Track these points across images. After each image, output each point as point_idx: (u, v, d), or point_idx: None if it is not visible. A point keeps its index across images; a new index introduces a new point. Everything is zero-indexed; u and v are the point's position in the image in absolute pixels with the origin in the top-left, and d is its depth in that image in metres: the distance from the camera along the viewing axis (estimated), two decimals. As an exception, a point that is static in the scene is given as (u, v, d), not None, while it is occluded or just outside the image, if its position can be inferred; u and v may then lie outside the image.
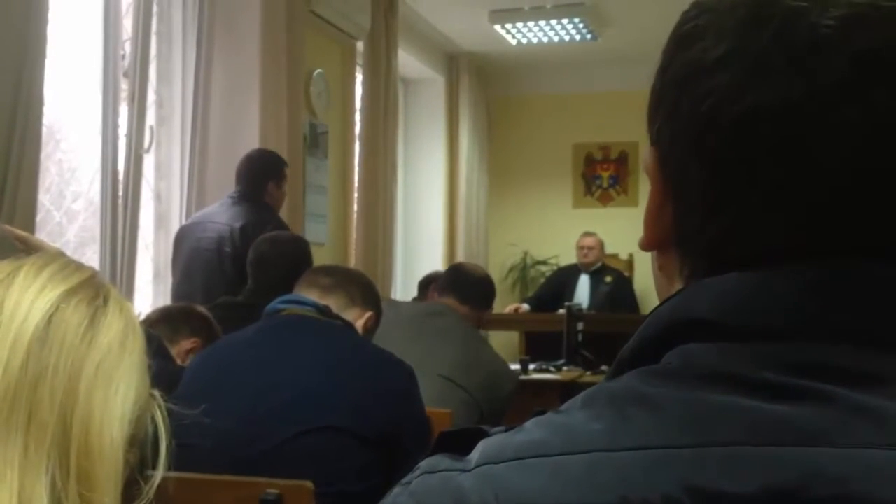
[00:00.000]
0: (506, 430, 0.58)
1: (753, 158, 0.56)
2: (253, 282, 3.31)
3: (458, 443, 0.59)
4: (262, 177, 3.93)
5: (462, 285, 3.11)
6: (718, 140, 0.57)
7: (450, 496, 0.55)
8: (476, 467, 0.55)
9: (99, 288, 0.75)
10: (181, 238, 3.97)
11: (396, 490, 0.60)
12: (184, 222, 4.26)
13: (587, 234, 6.81)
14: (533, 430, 0.56)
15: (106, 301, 0.75)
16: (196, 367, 2.05)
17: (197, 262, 3.83)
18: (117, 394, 0.71)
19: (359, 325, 2.13)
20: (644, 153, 0.65)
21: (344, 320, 2.06)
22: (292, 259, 3.22)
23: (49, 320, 0.70)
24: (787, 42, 0.55)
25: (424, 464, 0.60)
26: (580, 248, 6.75)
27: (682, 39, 0.61)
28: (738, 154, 0.57)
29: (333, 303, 2.09)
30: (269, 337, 2.01)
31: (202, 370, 2.02)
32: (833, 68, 0.55)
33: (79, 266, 0.77)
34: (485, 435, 0.59)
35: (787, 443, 0.49)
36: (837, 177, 0.55)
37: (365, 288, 2.24)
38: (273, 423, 1.85)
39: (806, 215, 0.56)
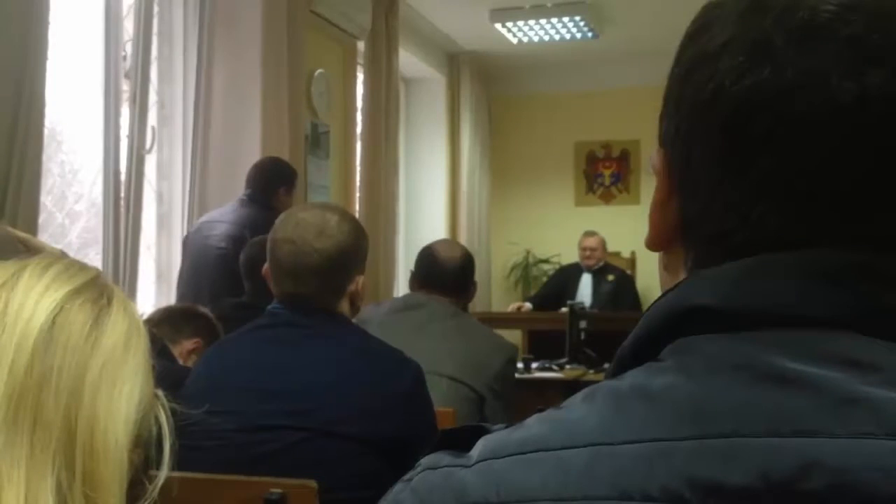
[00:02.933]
0: (506, 427, 0.59)
1: (751, 139, 0.57)
2: (251, 284, 3.31)
3: (460, 440, 0.60)
4: (273, 181, 3.96)
5: (442, 280, 2.89)
6: (719, 122, 0.58)
7: (451, 492, 0.55)
8: (477, 463, 0.56)
9: (103, 288, 0.75)
10: (191, 237, 4.01)
11: (398, 487, 0.60)
12: (186, 222, 4.27)
13: (589, 233, 6.80)
14: (533, 425, 0.57)
15: (110, 301, 0.75)
16: (200, 370, 2.02)
17: (204, 262, 3.85)
18: (121, 394, 0.71)
19: (352, 290, 2.01)
20: (652, 154, 0.65)
21: (344, 317, 2.02)
22: None
23: (53, 321, 0.71)
24: (786, 25, 0.57)
25: (425, 460, 0.60)
26: (582, 249, 6.74)
27: (691, 36, 0.62)
28: (737, 134, 0.58)
29: (328, 289, 1.97)
30: (271, 339, 1.95)
31: (206, 373, 1.99)
32: (829, 50, 0.56)
33: (83, 267, 0.77)
34: (486, 432, 0.59)
35: (785, 433, 0.50)
36: (832, 160, 0.56)
37: (347, 255, 1.98)
38: (276, 428, 1.82)
39: (802, 200, 0.57)
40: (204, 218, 4.09)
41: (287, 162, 4.19)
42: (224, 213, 3.95)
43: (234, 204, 3.96)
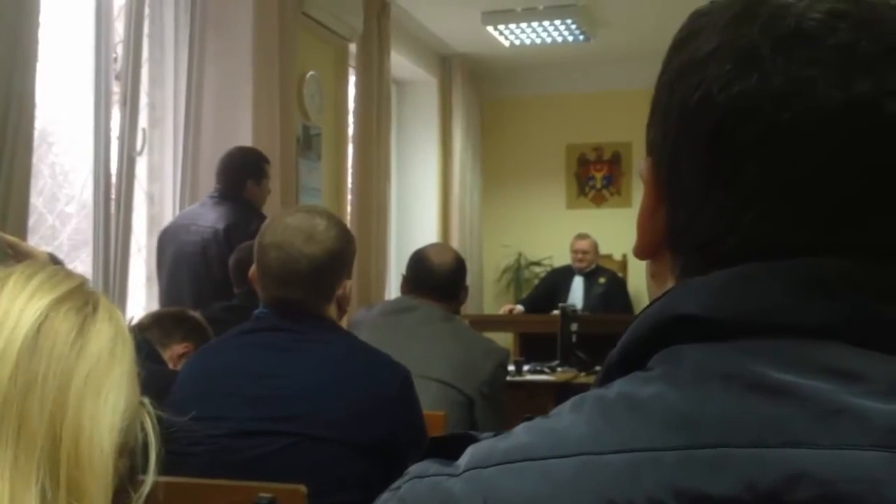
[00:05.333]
0: (494, 436, 0.59)
1: (739, 146, 0.57)
2: (241, 287, 3.31)
3: (448, 448, 0.59)
4: (240, 175, 3.92)
5: (433, 285, 2.88)
6: (707, 129, 0.58)
7: (439, 501, 0.55)
8: (465, 472, 0.56)
9: (88, 296, 0.75)
10: (165, 240, 3.96)
11: (386, 495, 0.60)
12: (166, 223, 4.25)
13: (581, 236, 6.79)
14: (521, 434, 0.57)
15: (95, 309, 0.75)
16: (187, 375, 2.01)
17: (183, 265, 3.82)
18: (107, 403, 0.71)
19: (339, 295, 2.00)
20: (640, 162, 0.65)
21: (332, 322, 2.01)
22: None
23: (38, 329, 0.70)
24: (773, 33, 0.57)
25: (413, 469, 0.60)
26: (574, 252, 6.73)
27: (678, 44, 0.62)
28: (725, 142, 0.58)
29: (317, 294, 1.97)
30: (257, 344, 1.94)
31: (193, 377, 1.98)
32: (817, 58, 0.56)
33: (68, 274, 0.77)
34: (474, 440, 0.59)
35: (771, 444, 0.49)
36: (822, 167, 0.56)
37: (336, 260, 1.97)
38: (263, 433, 1.81)
39: (790, 207, 0.56)
40: (178, 219, 4.05)
41: (254, 150, 4.11)
42: (198, 214, 3.90)
43: (207, 202, 3.91)
